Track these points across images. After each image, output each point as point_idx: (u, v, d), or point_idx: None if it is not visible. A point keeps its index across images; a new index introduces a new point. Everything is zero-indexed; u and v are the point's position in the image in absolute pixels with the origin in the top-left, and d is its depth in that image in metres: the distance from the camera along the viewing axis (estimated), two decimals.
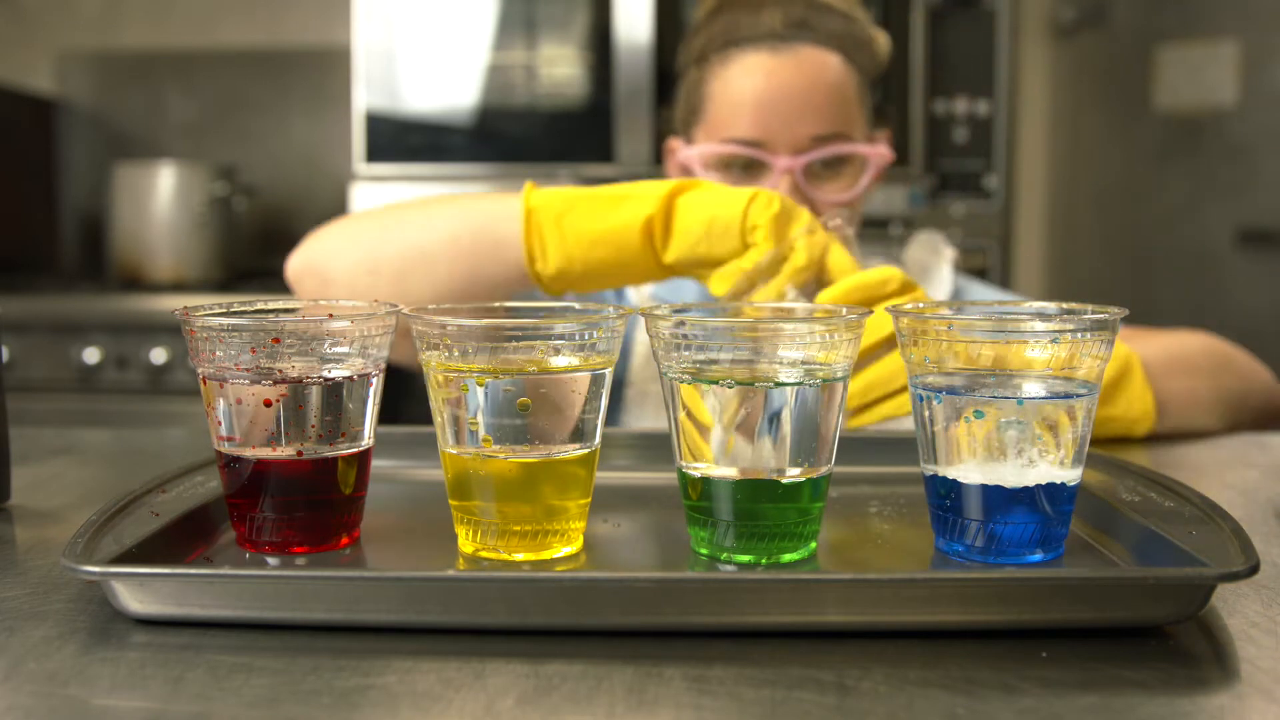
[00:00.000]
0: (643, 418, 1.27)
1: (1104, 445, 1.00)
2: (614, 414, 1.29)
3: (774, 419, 0.64)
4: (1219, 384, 1.10)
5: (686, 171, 1.28)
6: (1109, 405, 1.00)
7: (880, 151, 1.23)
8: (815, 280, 0.95)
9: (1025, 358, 0.64)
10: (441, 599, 0.58)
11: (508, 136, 2.33)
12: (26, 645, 0.56)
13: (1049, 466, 0.65)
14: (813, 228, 0.94)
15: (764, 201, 0.93)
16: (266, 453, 0.67)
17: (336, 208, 2.70)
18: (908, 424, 0.84)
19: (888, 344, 0.90)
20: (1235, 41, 2.65)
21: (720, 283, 0.94)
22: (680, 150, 1.27)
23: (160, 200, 2.59)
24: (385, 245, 1.04)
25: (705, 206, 0.94)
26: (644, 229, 0.94)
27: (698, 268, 0.96)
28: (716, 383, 0.65)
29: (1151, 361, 1.04)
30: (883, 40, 1.30)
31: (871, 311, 0.69)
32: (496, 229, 0.99)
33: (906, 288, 0.92)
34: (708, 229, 0.93)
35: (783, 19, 1.21)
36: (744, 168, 1.22)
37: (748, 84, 1.21)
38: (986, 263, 2.29)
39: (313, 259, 1.07)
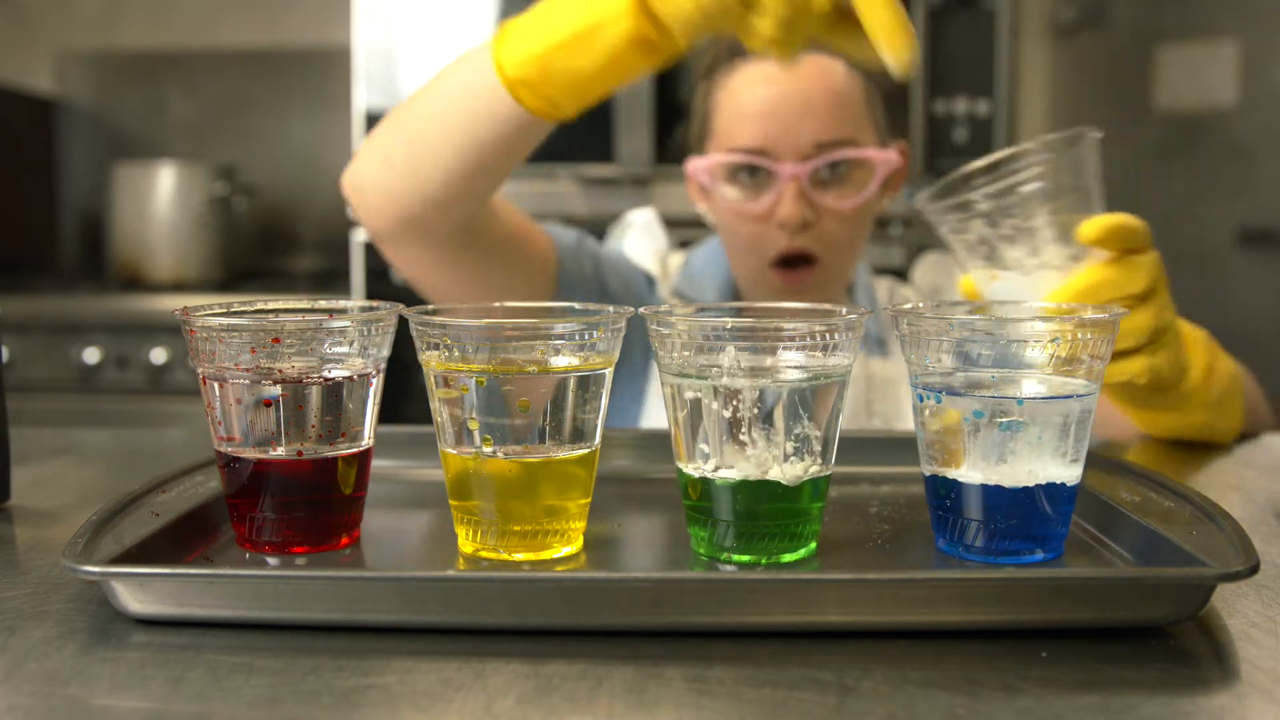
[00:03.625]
0: (660, 410, 1.26)
1: (1105, 446, 1.00)
2: (633, 406, 1.28)
3: (774, 419, 0.64)
4: (1260, 404, 1.13)
5: (700, 187, 1.28)
6: (1218, 414, 0.99)
7: (888, 156, 1.22)
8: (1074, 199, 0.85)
9: (1025, 358, 0.64)
10: (441, 599, 0.58)
11: None
12: (26, 645, 0.56)
13: (1049, 466, 0.65)
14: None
15: None
16: (266, 453, 0.67)
17: (336, 208, 2.71)
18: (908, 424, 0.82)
19: (1133, 299, 0.85)
20: (1235, 41, 2.65)
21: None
22: (689, 163, 1.27)
23: (160, 200, 2.59)
24: (395, 136, 1.03)
25: None
26: (636, 46, 0.88)
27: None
28: (716, 382, 0.65)
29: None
30: None
31: (872, 312, 0.69)
32: (489, 101, 0.95)
33: (1149, 245, 0.85)
34: (705, 10, 0.84)
35: None
36: (751, 176, 1.22)
37: (750, 93, 1.21)
38: None
39: (352, 168, 1.08)
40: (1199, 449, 1.03)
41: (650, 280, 1.35)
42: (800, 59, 1.20)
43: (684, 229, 2.11)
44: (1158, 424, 1.01)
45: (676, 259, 1.43)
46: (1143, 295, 0.83)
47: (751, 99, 1.21)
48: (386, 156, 1.04)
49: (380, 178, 1.04)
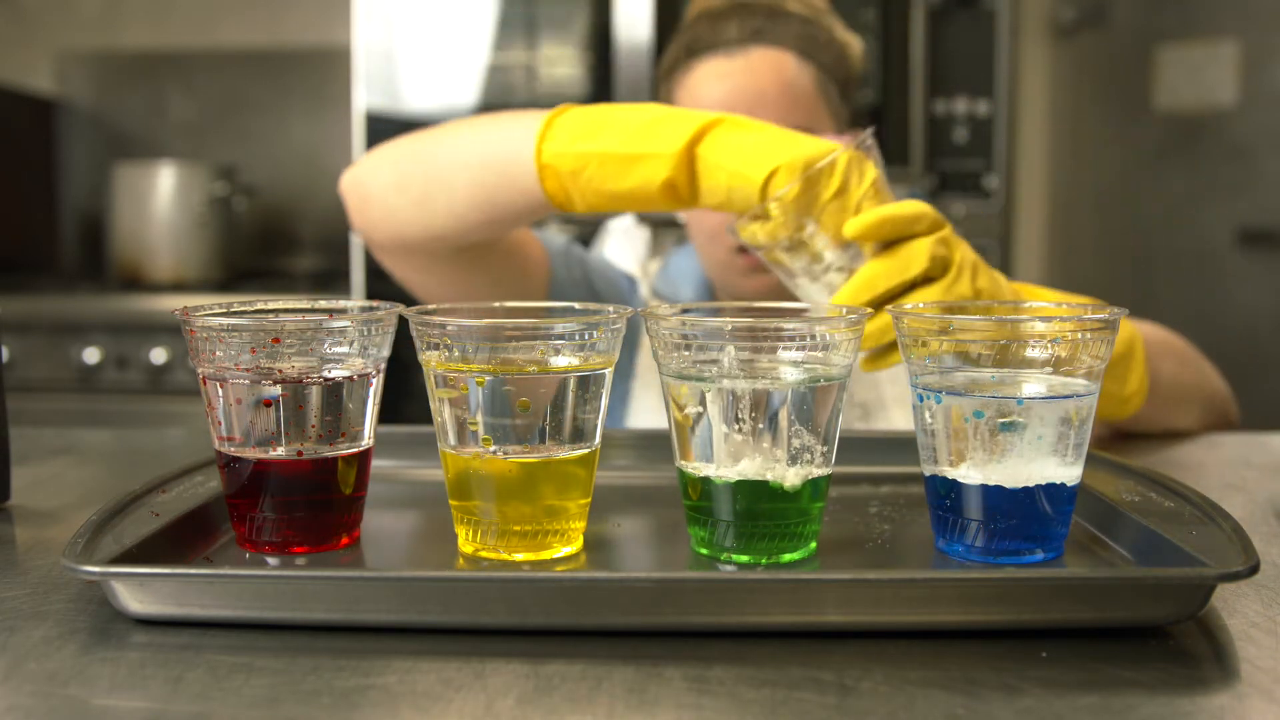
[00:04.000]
0: (647, 409, 1.27)
1: (1105, 446, 1.00)
2: (619, 407, 1.29)
3: (774, 419, 0.64)
4: (1197, 375, 1.13)
5: None
6: (1110, 379, 0.98)
7: (845, 142, 1.24)
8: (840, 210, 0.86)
9: (1025, 358, 0.64)
10: (441, 599, 0.58)
11: None
12: (26, 645, 0.56)
13: (1049, 466, 0.65)
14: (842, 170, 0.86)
15: (784, 177, 0.85)
16: (266, 453, 0.67)
17: (336, 208, 2.70)
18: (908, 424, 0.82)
19: (909, 288, 0.86)
20: (1235, 41, 2.65)
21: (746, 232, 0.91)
22: None
23: (160, 200, 2.59)
24: (414, 168, 1.05)
25: (727, 170, 0.88)
26: (664, 189, 0.90)
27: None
28: (716, 382, 0.65)
29: (1148, 340, 1.04)
30: (855, 45, 1.31)
31: (872, 312, 0.70)
32: (515, 172, 0.97)
33: (936, 225, 0.86)
34: (729, 195, 0.88)
35: (738, 28, 1.25)
36: None
37: (706, 88, 1.24)
38: (986, 262, 2.29)
39: (357, 174, 1.09)
40: (1199, 449, 1.03)
41: (632, 281, 1.38)
42: (751, 53, 1.22)
43: (679, 229, 2.10)
44: None
45: (654, 262, 1.46)
46: (925, 276, 0.84)
47: (708, 94, 1.23)
48: (401, 181, 1.05)
49: (389, 198, 1.06)
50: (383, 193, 1.06)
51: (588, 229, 2.18)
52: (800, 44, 1.24)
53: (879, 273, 0.83)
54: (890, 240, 0.84)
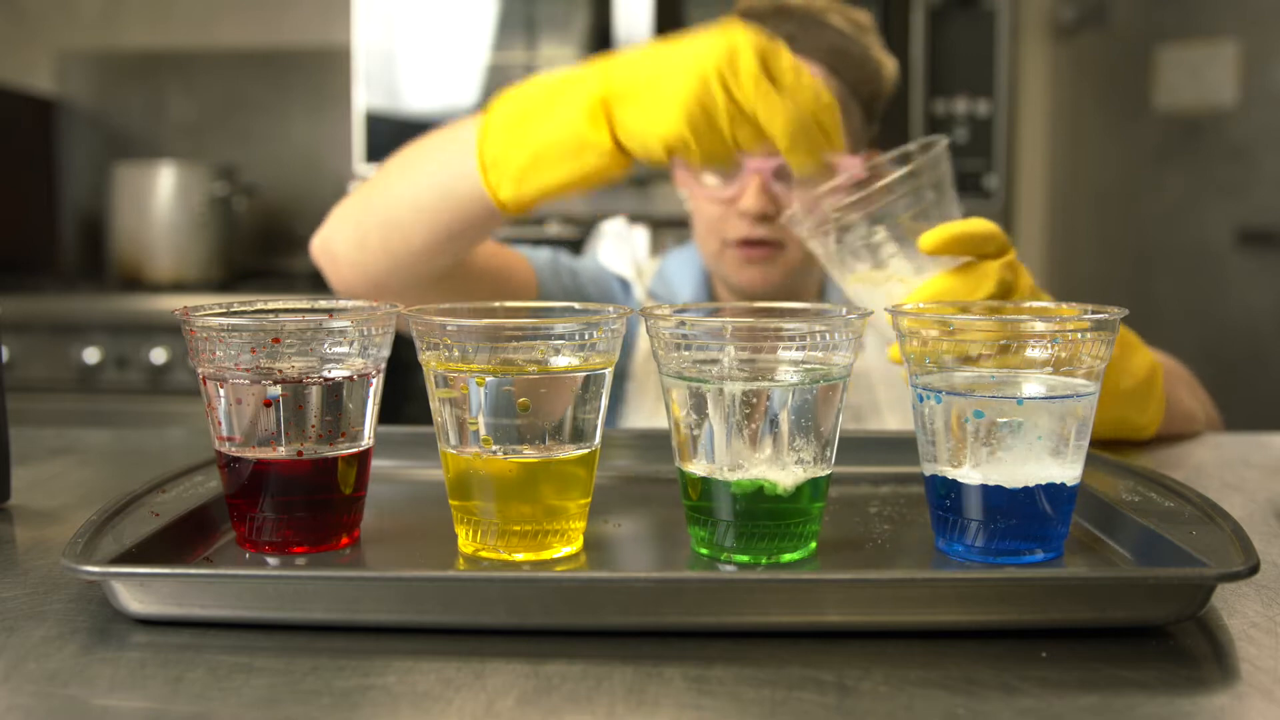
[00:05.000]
0: (641, 411, 1.28)
1: (1105, 445, 1.00)
2: (614, 408, 1.30)
3: (774, 419, 0.64)
4: (1201, 403, 1.15)
5: (682, 175, 1.30)
6: (1131, 407, 1.00)
7: (851, 164, 1.24)
8: (910, 222, 0.86)
9: (1025, 358, 0.64)
10: (441, 599, 0.58)
11: None
12: (26, 645, 0.56)
13: (1049, 466, 0.64)
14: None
15: (683, 147, 0.85)
16: (266, 453, 0.67)
17: None
18: (909, 423, 0.82)
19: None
20: (1235, 41, 2.65)
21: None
22: None
23: (160, 200, 2.59)
24: (366, 219, 1.06)
25: (645, 153, 0.88)
26: (616, 175, 0.91)
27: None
28: (716, 383, 0.65)
29: (1165, 369, 1.06)
30: (890, 66, 1.31)
31: (872, 312, 0.70)
32: (462, 196, 0.98)
33: (1004, 249, 0.85)
34: (652, 160, 0.88)
35: (771, 33, 1.25)
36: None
37: None
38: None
39: (324, 237, 1.10)
40: (1199, 449, 1.03)
41: (625, 284, 1.38)
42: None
43: (681, 229, 2.11)
44: None
45: (651, 263, 1.47)
46: (989, 300, 0.83)
47: None
48: (360, 237, 1.06)
49: (354, 255, 1.07)
50: (347, 251, 1.07)
51: (585, 229, 2.18)
52: (830, 58, 1.25)
53: (945, 290, 0.83)
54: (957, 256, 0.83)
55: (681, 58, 0.86)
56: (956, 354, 0.65)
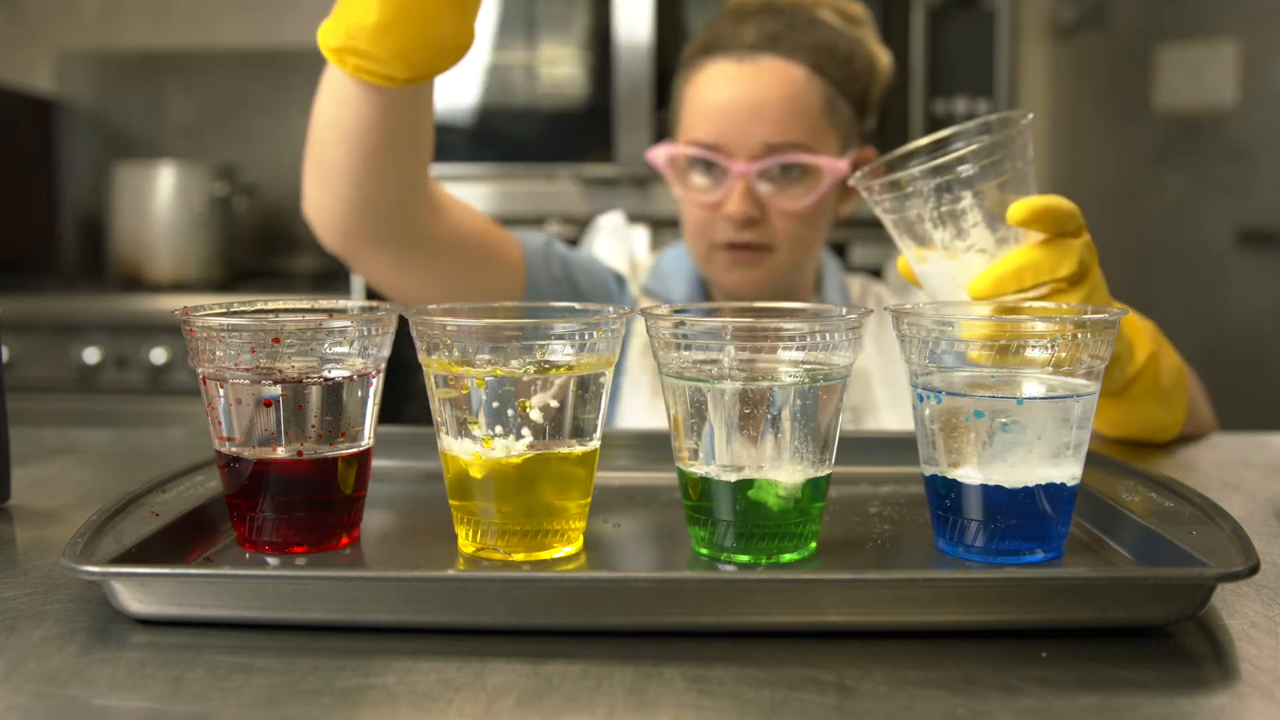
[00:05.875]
0: (636, 406, 1.28)
1: (1109, 445, 1.00)
2: (611, 407, 1.30)
3: (774, 419, 0.64)
4: (1208, 407, 1.16)
5: (664, 171, 1.31)
6: (1165, 406, 1.00)
7: (836, 166, 1.24)
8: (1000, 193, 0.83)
9: (1025, 358, 0.64)
10: (441, 599, 0.58)
11: (508, 136, 2.33)
12: (26, 645, 0.56)
13: (1049, 466, 0.64)
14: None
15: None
16: (266, 453, 0.67)
17: None
18: (910, 422, 0.81)
19: (1061, 282, 0.83)
20: (1235, 41, 2.65)
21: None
22: (651, 150, 1.32)
23: (160, 200, 2.59)
24: (310, 161, 1.07)
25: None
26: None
27: None
28: (716, 383, 0.65)
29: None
30: (884, 59, 1.31)
31: (872, 311, 0.70)
32: (345, 94, 0.98)
33: (1082, 229, 0.83)
34: None
35: (756, 32, 1.26)
36: (705, 169, 1.26)
37: (711, 90, 1.26)
38: None
39: (304, 199, 1.11)
40: (1199, 449, 1.03)
41: (620, 279, 1.38)
42: (760, 62, 1.23)
43: (672, 228, 2.10)
44: (1106, 415, 1.00)
45: (646, 259, 1.46)
46: (1072, 279, 0.82)
47: (712, 96, 1.25)
48: (311, 178, 1.07)
49: (315, 198, 1.08)
50: (312, 199, 1.08)
51: (585, 229, 2.18)
52: (815, 57, 1.25)
53: (1029, 264, 0.81)
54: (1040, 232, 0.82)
55: None
56: (957, 354, 0.65)
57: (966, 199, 0.82)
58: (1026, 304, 0.79)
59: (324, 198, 1.06)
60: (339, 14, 0.91)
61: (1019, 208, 0.81)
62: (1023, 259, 0.81)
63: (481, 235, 1.19)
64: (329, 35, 0.92)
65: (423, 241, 1.11)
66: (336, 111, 1.00)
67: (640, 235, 1.68)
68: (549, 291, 1.26)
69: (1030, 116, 0.84)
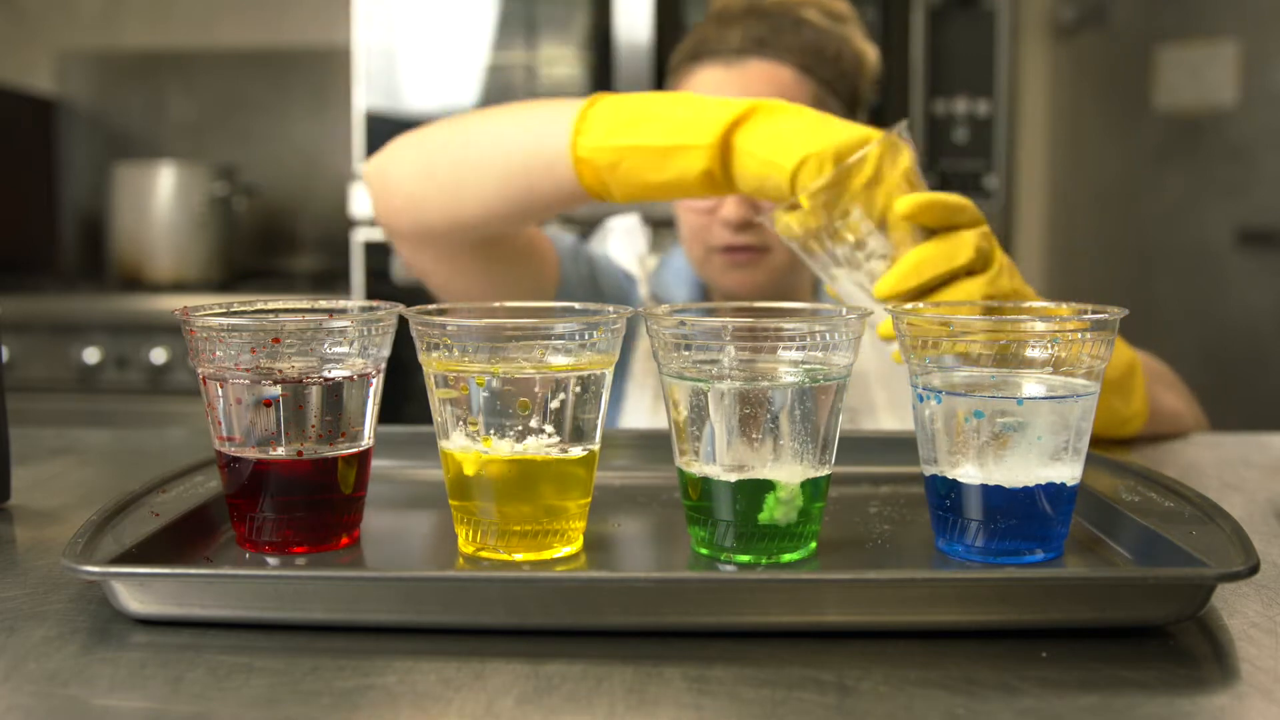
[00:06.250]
0: (641, 410, 1.28)
1: (1104, 446, 1.00)
2: (614, 406, 1.30)
3: (774, 419, 0.64)
4: (1189, 405, 1.15)
5: None
6: (1113, 396, 1.00)
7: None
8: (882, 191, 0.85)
9: (1025, 358, 0.64)
10: (441, 599, 0.58)
11: None
12: (26, 645, 0.56)
13: (1049, 466, 0.64)
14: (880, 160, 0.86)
15: (813, 169, 0.86)
16: (266, 453, 0.67)
17: (336, 208, 2.70)
18: (908, 423, 0.82)
19: (951, 279, 0.85)
20: (1235, 41, 2.65)
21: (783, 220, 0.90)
22: None
23: (160, 200, 2.59)
24: (443, 156, 1.05)
25: (759, 159, 0.89)
26: (702, 178, 0.92)
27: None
28: (716, 383, 0.65)
29: (1148, 369, 1.06)
30: (871, 55, 1.31)
31: (872, 312, 0.70)
32: (550, 164, 0.97)
33: (977, 220, 0.86)
34: (761, 183, 0.89)
35: (741, 36, 1.25)
36: None
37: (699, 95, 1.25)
38: None
39: (380, 163, 1.09)
40: (1199, 449, 1.03)
41: (631, 279, 1.39)
42: (748, 65, 1.23)
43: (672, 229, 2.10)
44: None
45: (652, 261, 1.47)
46: (971, 267, 0.84)
47: None
48: (428, 169, 1.05)
49: (415, 187, 1.06)
50: (408, 181, 1.06)
51: (587, 228, 2.18)
52: (802, 58, 1.24)
53: (926, 258, 0.83)
54: (934, 228, 0.84)
55: (850, 124, 0.88)
56: (956, 354, 0.65)
57: (854, 211, 0.84)
58: (941, 303, 0.81)
59: (433, 202, 1.04)
60: (611, 145, 0.92)
61: (904, 202, 0.83)
62: (919, 254, 0.83)
63: (533, 240, 1.20)
64: (589, 151, 0.93)
65: (488, 252, 1.11)
66: (521, 167, 0.99)
67: (645, 234, 1.69)
68: (577, 291, 1.26)
69: (904, 124, 0.88)
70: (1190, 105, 2.72)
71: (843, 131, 0.86)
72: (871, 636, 0.57)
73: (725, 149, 0.89)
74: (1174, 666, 0.54)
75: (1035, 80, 2.92)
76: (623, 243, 1.56)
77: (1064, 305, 0.71)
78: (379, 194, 1.09)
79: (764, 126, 0.89)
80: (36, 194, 2.97)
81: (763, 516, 0.65)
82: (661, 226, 1.86)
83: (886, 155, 0.85)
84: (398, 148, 1.08)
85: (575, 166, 0.95)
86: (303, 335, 0.66)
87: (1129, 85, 2.84)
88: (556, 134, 0.96)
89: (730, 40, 1.25)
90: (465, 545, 0.68)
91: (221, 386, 0.67)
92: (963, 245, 0.83)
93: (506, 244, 1.13)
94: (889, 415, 1.30)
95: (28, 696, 0.51)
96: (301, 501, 0.67)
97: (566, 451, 0.66)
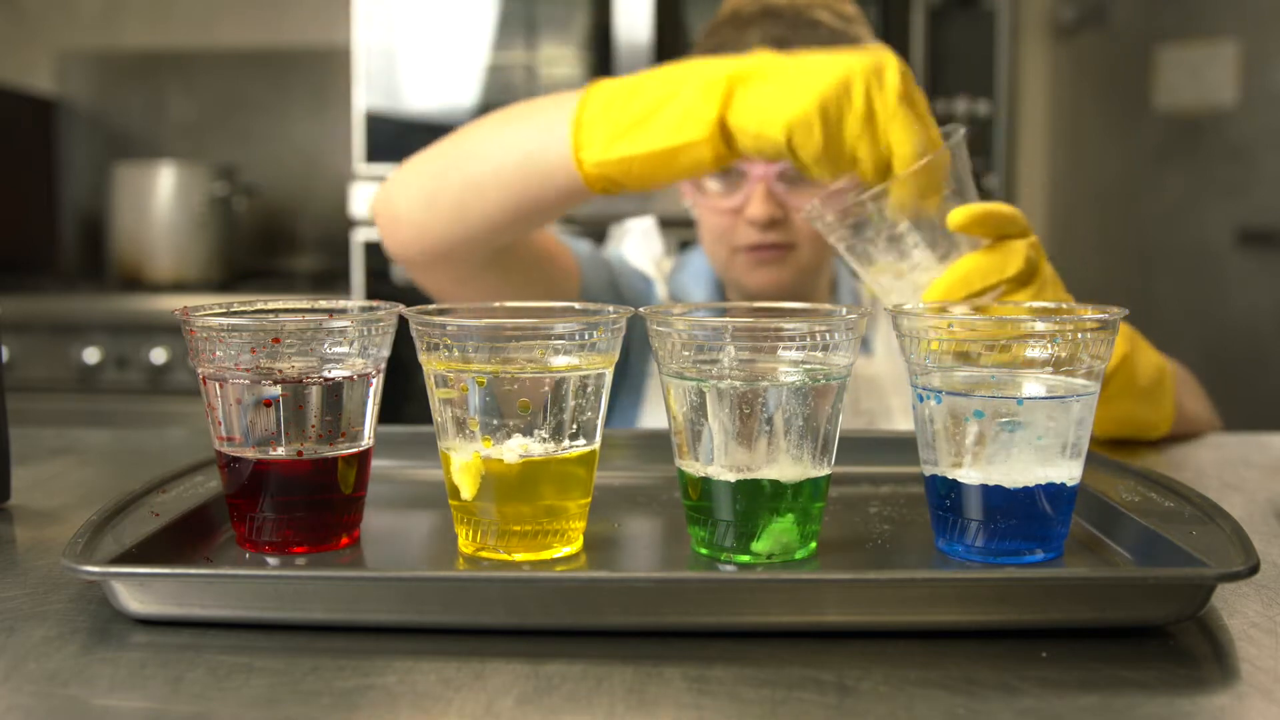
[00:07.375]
0: (660, 408, 1.28)
1: (1107, 446, 1.00)
2: (632, 407, 1.30)
3: (774, 419, 0.64)
4: (1208, 409, 1.16)
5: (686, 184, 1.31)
6: (1144, 403, 1.00)
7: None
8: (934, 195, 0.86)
9: (1025, 358, 0.64)
10: (441, 599, 0.58)
11: None
12: (26, 645, 0.56)
13: (1049, 466, 0.64)
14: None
15: (801, 136, 0.85)
16: (266, 453, 0.67)
17: (336, 208, 2.71)
18: (907, 423, 0.82)
19: (1010, 283, 0.85)
20: (1235, 41, 2.65)
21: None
22: None
23: (160, 200, 2.59)
24: (442, 179, 1.04)
25: (753, 136, 0.88)
26: (712, 165, 0.92)
27: None
28: (716, 382, 0.65)
29: (1175, 375, 1.08)
30: None
31: (871, 311, 0.70)
32: (555, 174, 0.97)
33: (1026, 230, 0.85)
34: (764, 153, 0.89)
35: (760, 37, 1.25)
36: (721, 175, 1.26)
37: None
38: None
39: (386, 194, 1.09)
40: (1199, 449, 1.03)
41: (647, 281, 1.39)
42: None
43: (684, 229, 2.11)
44: None
45: (668, 262, 1.47)
46: (1020, 278, 0.84)
47: None
48: (430, 197, 1.04)
49: (419, 216, 1.05)
50: (412, 211, 1.06)
51: (587, 228, 2.18)
52: None
53: (976, 269, 0.83)
54: (983, 238, 0.84)
55: (827, 59, 0.87)
56: (956, 354, 0.65)
57: (903, 222, 0.84)
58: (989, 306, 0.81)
59: (440, 227, 1.04)
60: (615, 156, 0.91)
61: (958, 214, 0.84)
62: (969, 265, 0.84)
63: (548, 251, 1.20)
64: (596, 166, 0.92)
65: (501, 265, 1.11)
66: (521, 178, 0.98)
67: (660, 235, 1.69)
68: (599, 296, 1.26)
69: (963, 132, 0.88)
70: (1190, 105, 2.72)
71: (820, 78, 0.85)
72: (871, 636, 0.57)
73: (723, 133, 0.89)
74: (1174, 666, 0.54)
75: (1035, 80, 2.92)
76: (639, 244, 1.56)
77: (1064, 305, 0.72)
78: (386, 227, 1.09)
79: (749, 100, 0.88)
80: (36, 194, 2.97)
81: (759, 545, 0.65)
82: (668, 227, 1.85)
83: (959, 160, 0.85)
84: (400, 178, 1.08)
85: (585, 181, 0.95)
86: (303, 335, 0.66)
87: (1129, 85, 2.84)
88: (556, 142, 0.95)
89: (749, 41, 1.25)
90: (465, 545, 0.68)
91: (221, 386, 0.67)
92: (1013, 256, 0.83)
93: (519, 255, 1.13)
94: (905, 419, 1.30)
95: (28, 696, 0.51)
96: (301, 501, 0.67)
97: (566, 452, 0.66)
